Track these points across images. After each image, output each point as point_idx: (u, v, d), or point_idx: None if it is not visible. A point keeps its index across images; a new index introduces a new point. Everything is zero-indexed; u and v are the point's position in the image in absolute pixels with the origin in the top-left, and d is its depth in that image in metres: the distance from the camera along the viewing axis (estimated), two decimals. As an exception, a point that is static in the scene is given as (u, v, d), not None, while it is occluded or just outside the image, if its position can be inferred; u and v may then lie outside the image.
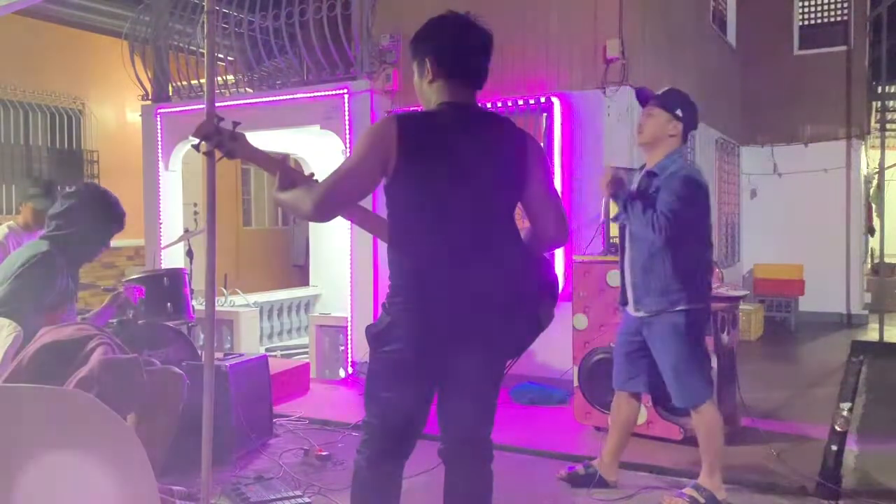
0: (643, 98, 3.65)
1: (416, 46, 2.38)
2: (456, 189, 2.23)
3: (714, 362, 4.35)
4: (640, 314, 3.52)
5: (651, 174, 3.50)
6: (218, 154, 2.51)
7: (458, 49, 2.33)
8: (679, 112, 3.47)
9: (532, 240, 2.43)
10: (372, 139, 2.22)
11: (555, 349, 4.40)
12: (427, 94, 2.37)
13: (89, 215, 3.59)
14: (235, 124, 2.48)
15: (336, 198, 2.21)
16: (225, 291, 7.67)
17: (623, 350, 3.68)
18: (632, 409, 3.75)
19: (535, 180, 2.35)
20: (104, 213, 3.66)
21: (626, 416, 3.75)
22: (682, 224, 3.31)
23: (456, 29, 2.33)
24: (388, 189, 2.26)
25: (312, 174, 2.47)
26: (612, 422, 3.86)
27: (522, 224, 2.46)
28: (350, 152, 6.12)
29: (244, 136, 2.49)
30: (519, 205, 2.40)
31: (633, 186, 3.56)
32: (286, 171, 2.43)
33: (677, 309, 3.39)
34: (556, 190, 2.49)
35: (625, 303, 3.64)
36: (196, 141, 2.49)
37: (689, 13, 7.95)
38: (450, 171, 2.23)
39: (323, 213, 2.21)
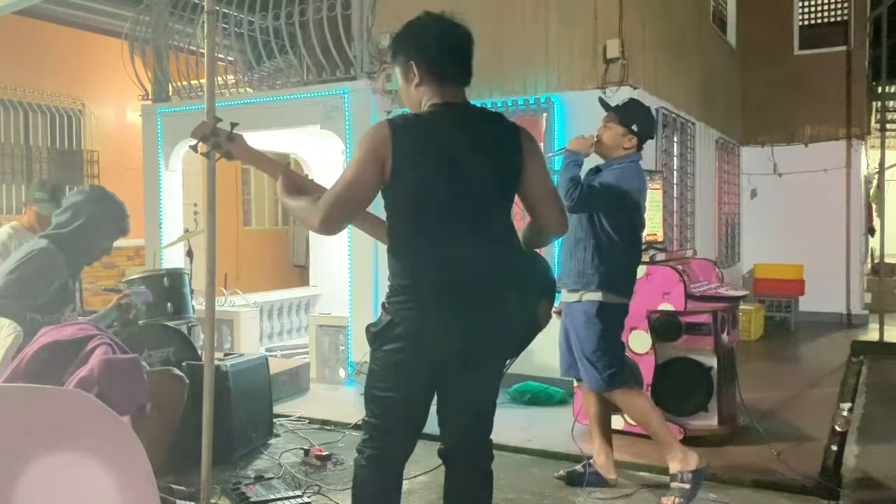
0: (605, 107, 3.80)
1: (396, 51, 2.37)
2: (453, 189, 2.22)
3: (714, 362, 4.38)
4: (564, 296, 3.68)
5: (597, 169, 3.73)
6: (216, 155, 2.51)
7: (441, 49, 2.32)
8: (635, 127, 3.66)
9: (532, 232, 2.43)
10: (366, 147, 2.21)
11: (555, 349, 4.37)
12: (415, 97, 2.36)
13: (93, 217, 3.57)
14: (233, 125, 2.48)
15: (341, 212, 2.23)
16: (225, 291, 7.66)
17: (564, 339, 3.82)
18: (594, 400, 3.79)
19: (532, 172, 2.34)
20: (108, 216, 3.64)
21: (593, 409, 3.81)
22: (592, 205, 3.53)
23: (435, 29, 2.33)
24: (385, 192, 2.25)
25: (307, 175, 2.48)
26: (589, 419, 3.90)
27: (521, 224, 2.46)
28: (349, 157, 6.16)
29: (242, 137, 2.49)
30: (517, 201, 2.40)
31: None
32: (288, 176, 2.43)
33: (591, 299, 3.55)
34: (552, 180, 2.50)
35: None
36: (194, 142, 2.49)
37: (689, 13, 7.94)
38: (446, 172, 2.22)
39: (331, 228, 2.26)
